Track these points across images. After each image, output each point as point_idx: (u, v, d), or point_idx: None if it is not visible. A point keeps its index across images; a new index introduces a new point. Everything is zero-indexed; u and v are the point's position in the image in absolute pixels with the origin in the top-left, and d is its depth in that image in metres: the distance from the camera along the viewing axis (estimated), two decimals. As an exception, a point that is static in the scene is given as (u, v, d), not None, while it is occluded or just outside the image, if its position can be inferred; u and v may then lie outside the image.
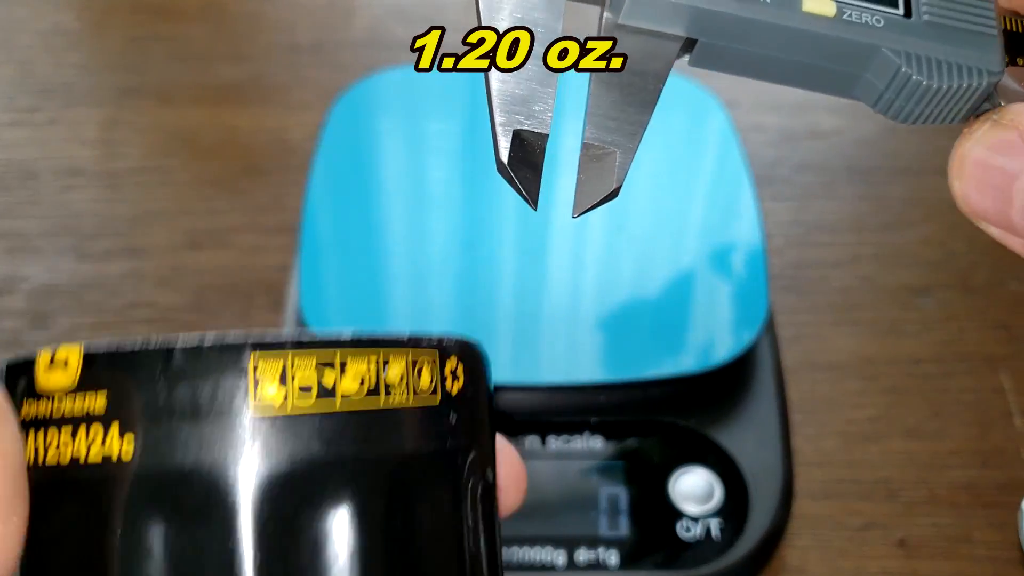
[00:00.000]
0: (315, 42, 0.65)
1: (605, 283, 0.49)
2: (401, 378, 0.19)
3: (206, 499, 0.18)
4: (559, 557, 0.41)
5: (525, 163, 0.22)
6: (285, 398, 0.19)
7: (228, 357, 0.18)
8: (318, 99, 0.58)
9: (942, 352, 0.50)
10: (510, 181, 0.22)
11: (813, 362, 0.50)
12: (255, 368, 0.18)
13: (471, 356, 0.21)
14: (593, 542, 0.42)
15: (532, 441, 0.45)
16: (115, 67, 0.64)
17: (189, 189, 0.57)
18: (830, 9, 0.22)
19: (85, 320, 0.51)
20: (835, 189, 0.57)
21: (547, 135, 0.22)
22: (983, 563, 0.43)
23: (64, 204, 0.56)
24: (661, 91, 0.23)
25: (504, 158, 0.22)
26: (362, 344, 0.19)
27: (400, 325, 0.48)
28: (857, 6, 0.23)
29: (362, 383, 0.19)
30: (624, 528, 0.42)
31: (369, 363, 0.19)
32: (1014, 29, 0.25)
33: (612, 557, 0.41)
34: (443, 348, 0.20)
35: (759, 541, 0.42)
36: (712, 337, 0.47)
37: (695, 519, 0.42)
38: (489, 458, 0.23)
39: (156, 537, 0.18)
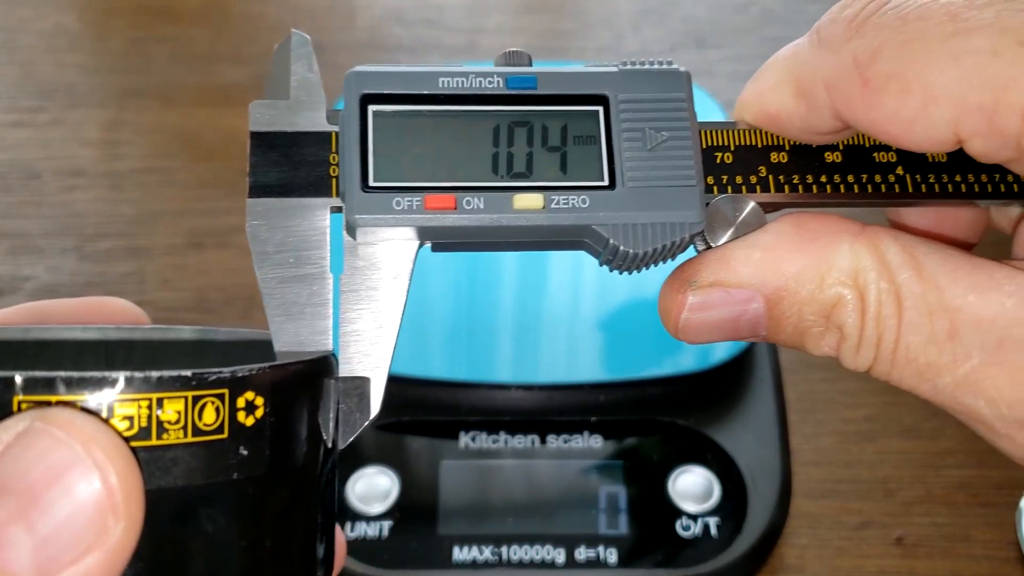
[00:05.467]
0: (315, 43, 0.64)
1: (604, 283, 0.49)
2: (178, 417, 0.20)
3: None
4: (559, 555, 0.42)
5: None
6: None
7: None
8: (319, 100, 0.58)
9: (939, 352, 0.50)
10: None
11: (810, 362, 0.50)
12: (18, 405, 0.19)
13: (278, 384, 0.21)
14: (592, 540, 0.42)
15: (532, 440, 0.45)
16: (117, 68, 0.64)
17: (191, 190, 0.57)
18: (538, 203, 0.25)
19: (87, 320, 0.52)
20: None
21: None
22: (980, 562, 0.44)
23: (66, 204, 0.56)
24: (407, 296, 0.25)
25: None
26: (137, 388, 0.19)
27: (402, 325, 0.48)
28: (564, 190, 0.25)
29: (131, 424, 0.19)
30: (623, 526, 0.42)
31: (140, 407, 0.19)
32: (710, 144, 0.26)
33: (611, 555, 0.42)
34: (236, 382, 0.21)
35: (757, 539, 0.42)
36: (711, 337, 0.47)
37: (694, 517, 0.43)
38: (307, 471, 0.23)
39: None
